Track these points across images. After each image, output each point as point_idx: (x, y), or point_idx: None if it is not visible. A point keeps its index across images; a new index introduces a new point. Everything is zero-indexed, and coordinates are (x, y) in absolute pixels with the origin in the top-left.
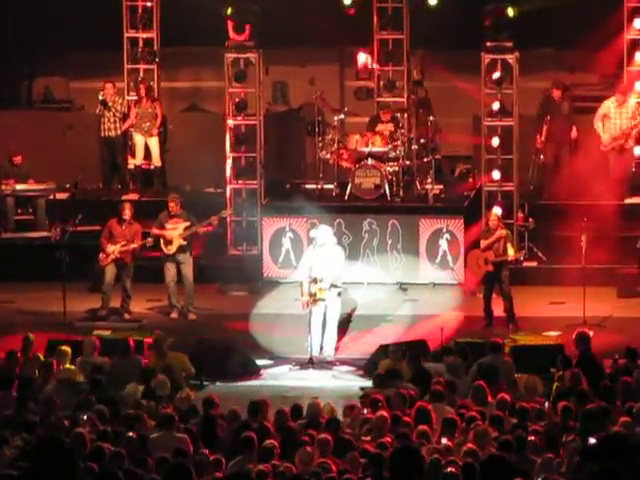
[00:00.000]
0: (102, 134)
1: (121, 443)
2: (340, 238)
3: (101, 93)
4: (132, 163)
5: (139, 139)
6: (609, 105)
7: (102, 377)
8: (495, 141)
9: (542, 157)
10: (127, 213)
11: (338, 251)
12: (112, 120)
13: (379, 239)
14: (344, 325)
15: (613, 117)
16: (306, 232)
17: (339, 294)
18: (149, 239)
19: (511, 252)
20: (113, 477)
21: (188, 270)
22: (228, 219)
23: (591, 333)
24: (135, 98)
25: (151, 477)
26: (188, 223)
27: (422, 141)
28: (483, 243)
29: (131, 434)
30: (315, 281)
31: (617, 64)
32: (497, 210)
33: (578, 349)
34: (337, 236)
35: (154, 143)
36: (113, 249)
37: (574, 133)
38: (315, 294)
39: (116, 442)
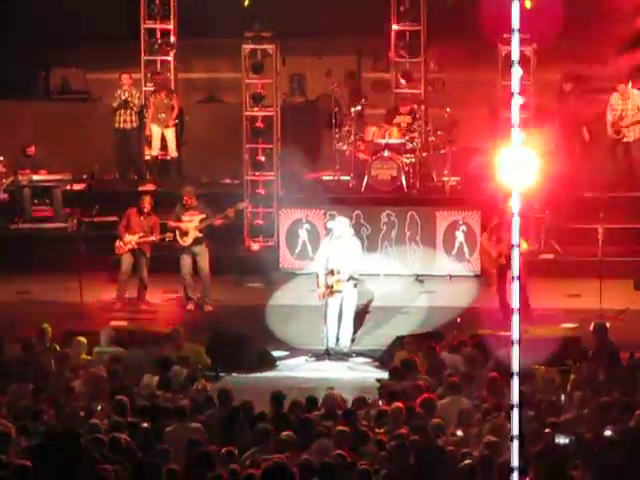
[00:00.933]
0: (117, 125)
1: (137, 434)
2: (359, 230)
3: (121, 90)
4: (149, 154)
5: (155, 130)
6: (615, 97)
7: (119, 367)
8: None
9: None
10: (147, 205)
11: (355, 243)
12: (128, 113)
13: (397, 231)
14: (361, 317)
15: (617, 108)
16: (323, 224)
17: (355, 285)
18: (169, 234)
19: (524, 245)
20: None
21: (204, 262)
22: (245, 211)
23: (608, 325)
24: (152, 89)
25: (170, 467)
26: (204, 215)
27: (439, 133)
28: (490, 237)
29: (146, 425)
30: (332, 273)
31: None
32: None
33: (595, 341)
34: (355, 228)
35: (170, 134)
36: (131, 239)
37: (585, 135)
38: (332, 286)
39: (132, 433)
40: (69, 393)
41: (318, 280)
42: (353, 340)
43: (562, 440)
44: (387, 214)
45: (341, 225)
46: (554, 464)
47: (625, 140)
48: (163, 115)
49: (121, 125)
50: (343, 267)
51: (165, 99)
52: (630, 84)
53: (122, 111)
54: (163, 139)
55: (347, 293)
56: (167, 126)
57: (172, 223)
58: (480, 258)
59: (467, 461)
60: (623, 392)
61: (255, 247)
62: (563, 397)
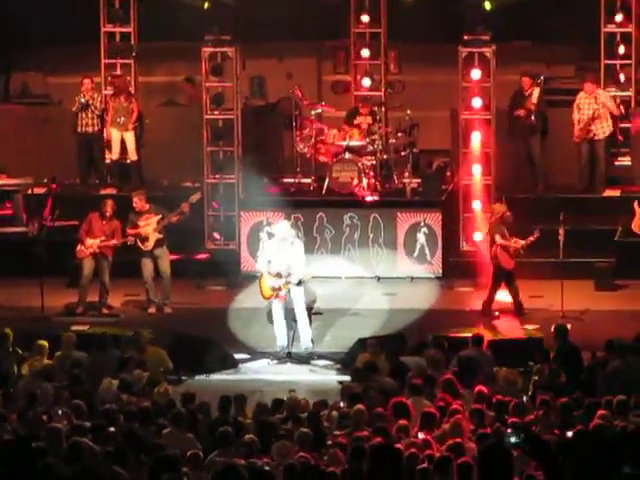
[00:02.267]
0: (79, 129)
1: (102, 438)
2: (322, 232)
3: (81, 94)
4: (109, 157)
5: (115, 134)
6: (580, 95)
7: (80, 372)
8: (475, 135)
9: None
10: (109, 209)
11: (298, 245)
12: (90, 116)
13: (360, 233)
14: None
15: (582, 107)
16: (264, 230)
17: (299, 283)
18: (130, 237)
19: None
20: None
21: (165, 264)
22: (206, 214)
23: (569, 326)
24: (111, 93)
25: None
26: (160, 216)
27: (399, 135)
28: (502, 235)
29: (112, 429)
30: (279, 275)
31: (593, 57)
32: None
33: (556, 342)
34: (319, 230)
35: (130, 138)
36: (92, 243)
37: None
38: (280, 288)
39: (96, 437)
40: (31, 398)
41: (262, 282)
42: (313, 340)
43: (512, 439)
44: (350, 216)
45: (283, 228)
46: (498, 463)
47: (595, 138)
48: (122, 119)
49: (83, 129)
50: (292, 270)
51: (124, 102)
52: (595, 85)
53: (84, 115)
54: (123, 143)
55: (295, 294)
56: (126, 129)
57: (130, 231)
58: (493, 262)
59: (423, 465)
60: (585, 393)
61: (216, 250)
62: (525, 398)
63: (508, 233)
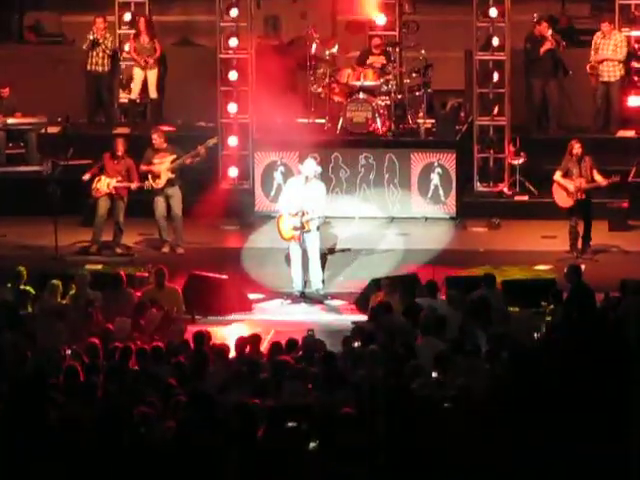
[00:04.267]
0: (88, 68)
1: (115, 378)
2: (337, 172)
3: (92, 31)
4: (126, 97)
5: (138, 73)
6: (598, 35)
7: (94, 310)
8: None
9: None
10: (120, 148)
11: (320, 185)
12: (101, 56)
13: (375, 173)
14: (324, 259)
15: (600, 48)
16: (297, 166)
17: (318, 228)
18: (147, 182)
19: (600, 178)
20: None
21: (177, 204)
22: (220, 153)
23: (583, 267)
24: (128, 32)
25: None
26: (175, 156)
27: (414, 75)
28: (565, 172)
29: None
30: (301, 213)
31: None
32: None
33: (570, 282)
34: (334, 170)
35: (152, 76)
36: (109, 182)
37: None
38: (303, 226)
39: (110, 376)
40: (45, 337)
41: (281, 225)
42: (323, 281)
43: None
44: (365, 156)
45: (309, 166)
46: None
47: (610, 79)
48: (146, 58)
49: (93, 67)
50: (310, 208)
51: (148, 41)
52: (611, 25)
53: (94, 53)
54: (144, 82)
55: (310, 236)
56: (150, 68)
57: (144, 167)
58: (554, 196)
59: (444, 404)
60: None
61: (230, 190)
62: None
63: (578, 172)
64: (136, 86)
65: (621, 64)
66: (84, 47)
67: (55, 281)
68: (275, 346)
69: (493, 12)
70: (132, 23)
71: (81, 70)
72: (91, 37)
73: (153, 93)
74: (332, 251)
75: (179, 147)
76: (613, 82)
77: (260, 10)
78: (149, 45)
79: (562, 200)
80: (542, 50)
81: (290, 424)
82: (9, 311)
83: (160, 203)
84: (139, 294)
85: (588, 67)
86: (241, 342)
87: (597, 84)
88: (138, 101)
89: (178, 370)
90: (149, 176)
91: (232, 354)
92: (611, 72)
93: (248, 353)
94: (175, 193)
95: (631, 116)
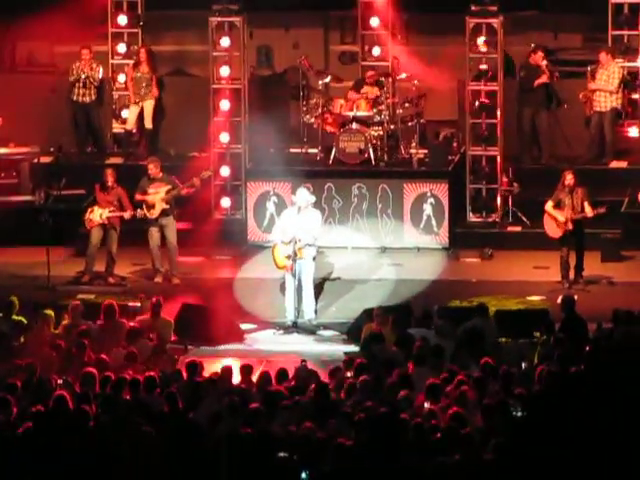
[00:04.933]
0: (75, 98)
1: (112, 407)
2: (330, 202)
3: (79, 63)
4: (121, 127)
5: (134, 104)
6: (595, 65)
7: (86, 341)
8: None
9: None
10: (109, 179)
11: (315, 214)
12: (87, 86)
13: (368, 203)
14: (319, 289)
15: (597, 78)
16: (290, 197)
17: (314, 258)
18: (140, 210)
19: (588, 209)
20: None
21: (172, 234)
22: (213, 183)
23: (575, 297)
24: (122, 62)
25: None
26: (170, 186)
27: (406, 105)
28: (556, 202)
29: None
30: (294, 241)
31: (601, 27)
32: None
33: (563, 313)
34: (327, 200)
35: (149, 106)
36: (101, 213)
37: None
38: (296, 254)
39: (106, 406)
40: (37, 367)
41: (276, 254)
42: (316, 311)
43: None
44: (358, 187)
45: (302, 196)
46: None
47: (596, 110)
48: (144, 89)
49: (79, 98)
50: (303, 236)
51: (146, 72)
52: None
53: (80, 84)
54: (140, 112)
55: (305, 265)
56: (147, 99)
57: (138, 196)
58: (544, 226)
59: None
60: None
61: (222, 220)
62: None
63: (570, 203)
64: (132, 116)
65: (613, 95)
66: (70, 78)
67: (48, 311)
68: (265, 376)
69: (480, 40)
70: (127, 53)
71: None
72: (79, 71)
73: (148, 124)
74: (324, 280)
75: (174, 176)
76: (605, 112)
77: (253, 40)
78: (148, 75)
79: (552, 230)
80: (536, 83)
81: (281, 454)
82: (1, 342)
83: (154, 233)
84: (134, 323)
85: (581, 95)
86: (232, 372)
87: (591, 113)
88: (134, 131)
89: (170, 400)
90: (143, 205)
91: (224, 384)
92: (602, 102)
93: (239, 383)
94: (169, 223)
95: (625, 147)
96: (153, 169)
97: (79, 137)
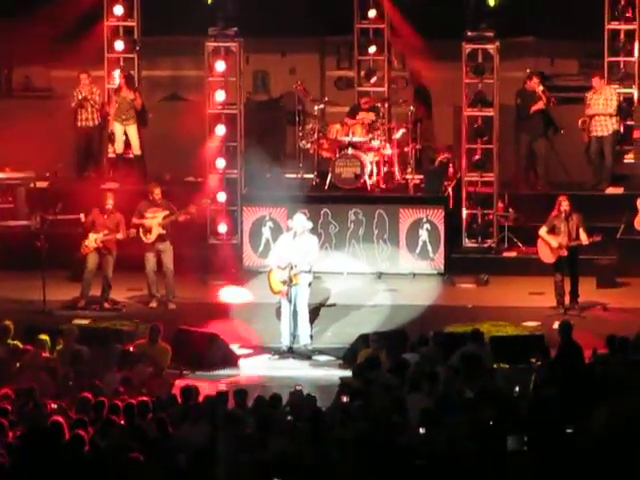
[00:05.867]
0: (79, 124)
1: (111, 432)
2: (327, 228)
3: (77, 90)
4: (112, 151)
5: (118, 128)
6: (589, 91)
7: (82, 366)
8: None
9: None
10: (109, 202)
11: (311, 239)
12: (90, 110)
13: (365, 229)
14: (313, 315)
15: (592, 104)
16: (286, 222)
17: (309, 284)
18: (133, 230)
19: (583, 237)
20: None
21: (168, 259)
22: (208, 208)
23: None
24: (115, 87)
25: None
26: (167, 212)
27: (402, 131)
28: (551, 228)
29: (120, 423)
30: (290, 267)
31: (596, 54)
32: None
33: (560, 338)
34: (323, 226)
35: (132, 132)
36: (96, 237)
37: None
38: (291, 279)
39: (104, 431)
40: (32, 392)
41: (271, 276)
42: (311, 336)
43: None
44: (354, 212)
45: (298, 222)
46: None
47: (596, 135)
48: (126, 113)
49: (83, 123)
50: (299, 262)
51: (128, 97)
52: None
53: (83, 110)
54: (126, 137)
55: (300, 290)
56: (129, 124)
57: (136, 220)
58: (538, 252)
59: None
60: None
61: (218, 245)
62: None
63: (565, 229)
64: (119, 141)
65: (613, 118)
66: (72, 105)
67: (43, 336)
68: (259, 401)
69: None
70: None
71: (70, 126)
72: (80, 96)
73: (137, 150)
74: (320, 306)
75: (170, 202)
76: (606, 136)
77: (249, 65)
78: (129, 99)
79: (545, 256)
80: (532, 109)
81: None
82: None
83: (151, 258)
84: (131, 348)
85: (580, 122)
86: (228, 397)
87: (589, 140)
88: (124, 155)
89: (160, 425)
90: (140, 229)
91: (219, 409)
92: (603, 126)
93: (234, 408)
94: (166, 248)
95: (620, 172)
96: (158, 194)
97: (79, 162)
